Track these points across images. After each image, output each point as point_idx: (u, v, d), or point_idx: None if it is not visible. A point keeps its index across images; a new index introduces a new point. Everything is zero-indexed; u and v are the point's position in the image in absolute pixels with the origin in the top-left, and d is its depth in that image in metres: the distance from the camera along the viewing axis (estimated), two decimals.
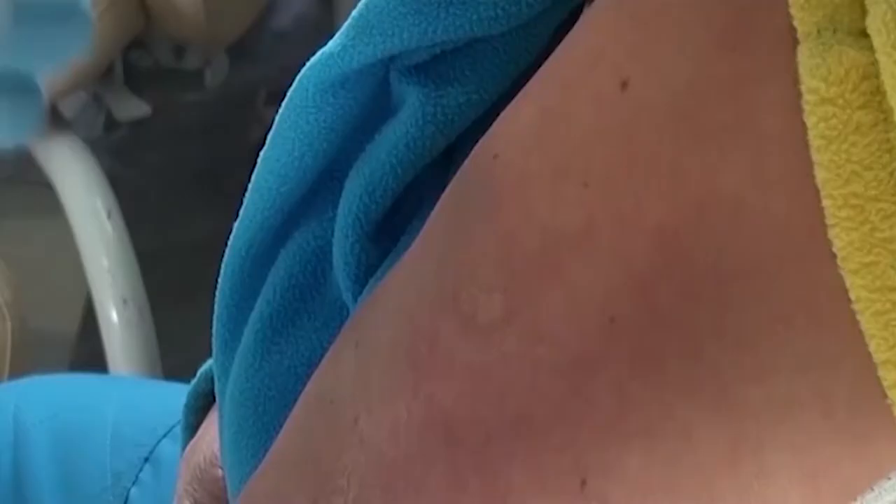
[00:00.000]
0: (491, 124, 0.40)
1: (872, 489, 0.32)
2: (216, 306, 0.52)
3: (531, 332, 0.35)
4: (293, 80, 0.44)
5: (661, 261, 0.33)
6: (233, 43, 1.50)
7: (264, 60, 1.64)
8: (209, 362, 0.65)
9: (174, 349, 1.45)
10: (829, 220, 0.32)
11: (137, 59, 1.49)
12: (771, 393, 0.32)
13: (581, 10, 0.45)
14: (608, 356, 0.34)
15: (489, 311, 0.35)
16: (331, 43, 0.43)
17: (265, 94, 1.68)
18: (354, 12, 0.43)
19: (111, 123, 1.54)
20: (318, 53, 0.43)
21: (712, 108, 0.34)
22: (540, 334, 0.35)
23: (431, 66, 0.44)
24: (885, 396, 0.31)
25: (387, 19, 0.42)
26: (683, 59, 0.35)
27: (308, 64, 0.44)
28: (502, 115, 0.39)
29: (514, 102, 0.39)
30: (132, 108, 1.50)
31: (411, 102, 0.44)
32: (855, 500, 0.33)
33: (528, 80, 0.41)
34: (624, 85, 0.35)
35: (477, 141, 0.41)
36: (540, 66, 0.44)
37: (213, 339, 0.53)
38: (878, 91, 0.31)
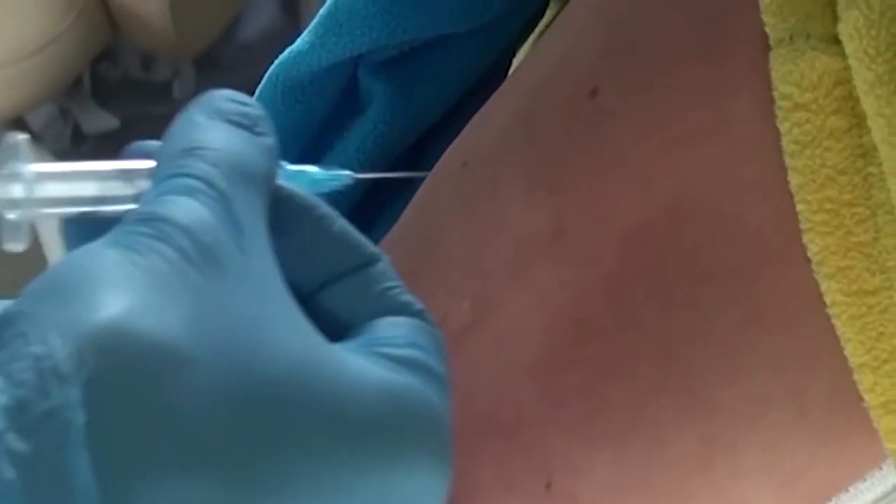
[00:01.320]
0: (459, 120, 0.40)
1: (848, 490, 0.31)
2: None
3: (499, 335, 0.35)
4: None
5: (632, 264, 0.33)
6: (200, 54, 1.50)
7: (232, 72, 1.62)
8: None
9: None
10: (804, 225, 0.32)
11: (105, 72, 1.48)
12: (744, 393, 0.32)
13: (544, 10, 0.44)
14: (577, 358, 0.34)
15: (459, 317, 0.35)
16: (299, 40, 0.43)
17: None
18: (322, 10, 0.42)
19: (79, 136, 1.52)
20: (287, 51, 0.43)
21: (685, 114, 0.33)
22: (508, 337, 0.35)
23: (399, 63, 0.43)
24: (861, 400, 0.31)
25: (356, 17, 0.42)
26: (656, 64, 0.34)
27: (276, 61, 0.43)
28: (472, 121, 0.39)
29: (484, 108, 0.39)
30: (100, 120, 1.48)
31: (379, 99, 0.43)
32: (830, 500, 0.32)
33: (496, 74, 0.41)
34: (594, 92, 0.35)
35: (445, 136, 0.40)
36: (509, 60, 0.44)
37: None
38: (851, 96, 0.31)
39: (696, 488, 0.33)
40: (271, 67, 0.43)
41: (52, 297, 0.22)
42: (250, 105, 0.28)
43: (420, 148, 0.43)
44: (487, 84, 0.41)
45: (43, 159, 0.28)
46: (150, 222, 0.24)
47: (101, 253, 0.23)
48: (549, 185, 0.35)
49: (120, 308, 0.22)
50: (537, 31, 0.43)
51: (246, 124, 0.27)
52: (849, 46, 0.31)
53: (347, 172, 0.32)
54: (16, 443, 0.21)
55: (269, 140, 0.27)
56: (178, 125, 0.27)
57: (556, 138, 0.35)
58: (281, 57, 0.43)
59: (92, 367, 0.21)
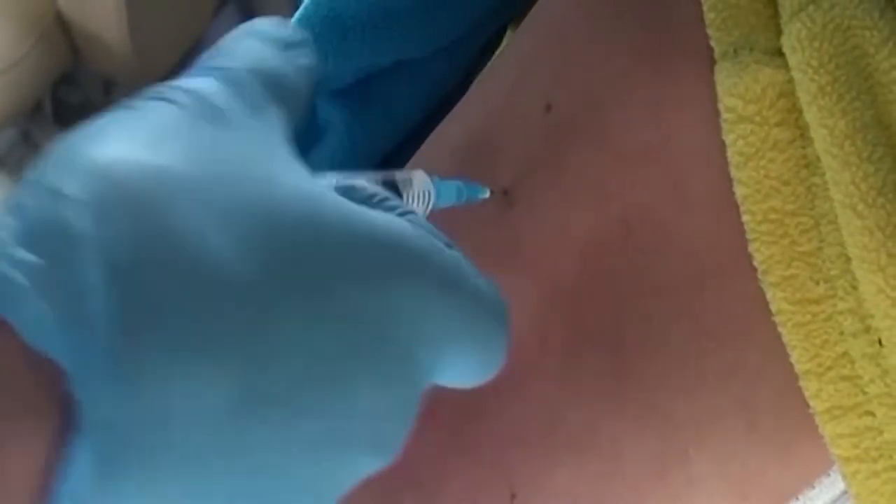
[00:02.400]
0: (418, 146, 0.41)
1: (798, 498, 0.31)
2: None
3: None
4: None
5: (588, 277, 0.34)
6: (163, 77, 1.48)
7: None
8: None
9: None
10: (750, 235, 0.32)
11: (67, 96, 1.47)
12: (697, 405, 0.32)
13: (503, 34, 0.44)
14: (536, 373, 0.34)
15: None
16: None
17: None
18: None
19: None
20: None
21: (636, 127, 0.34)
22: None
23: (357, 90, 0.43)
24: (808, 406, 0.32)
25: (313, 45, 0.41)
26: (607, 80, 0.35)
27: None
28: (430, 138, 0.40)
29: (441, 126, 0.40)
30: None
31: (337, 126, 0.43)
32: None
33: (456, 99, 0.41)
34: (548, 107, 0.36)
35: (404, 163, 0.41)
36: (466, 83, 0.44)
37: None
38: (795, 108, 0.32)
39: (652, 499, 0.33)
40: None
41: (63, 151, 0.23)
42: (290, 29, 0.28)
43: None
44: (447, 109, 0.40)
45: (3, 184, 0.28)
46: (157, 92, 0.25)
47: (105, 115, 0.24)
48: (506, 199, 0.35)
49: (120, 145, 0.22)
50: (497, 53, 0.44)
51: (280, 43, 0.28)
52: (792, 58, 0.32)
53: (486, 189, 0.34)
54: (24, 254, 0.21)
55: (304, 60, 0.28)
56: (218, 42, 0.27)
57: (513, 153, 0.36)
58: None
59: (96, 191, 0.22)
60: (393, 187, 0.33)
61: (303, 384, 0.22)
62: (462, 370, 0.26)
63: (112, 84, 1.52)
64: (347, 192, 0.27)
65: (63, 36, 1.36)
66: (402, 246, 0.24)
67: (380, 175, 0.33)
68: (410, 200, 0.33)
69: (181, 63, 1.52)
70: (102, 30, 1.35)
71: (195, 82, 0.25)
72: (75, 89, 1.49)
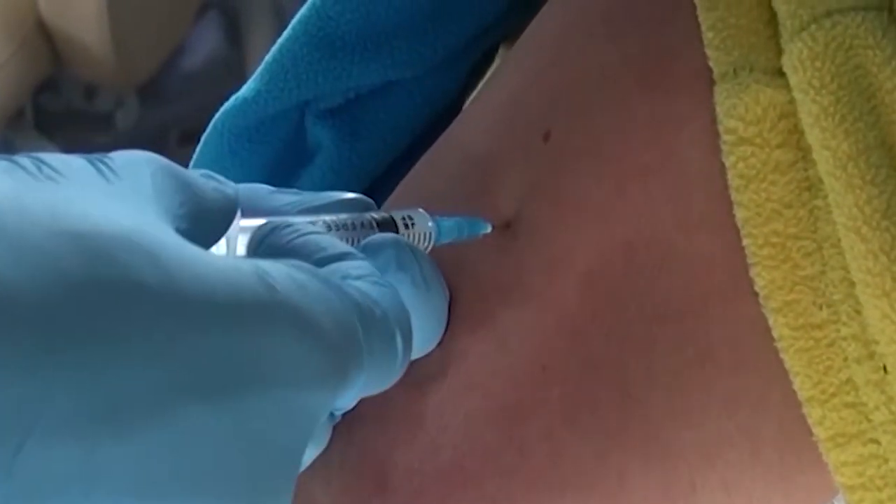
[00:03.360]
0: (409, 167, 0.40)
1: None
2: None
3: (464, 383, 0.35)
4: (205, 119, 0.43)
5: (591, 306, 0.33)
6: (143, 84, 1.47)
7: (175, 101, 1.60)
8: None
9: None
10: (751, 259, 0.32)
11: (48, 102, 1.44)
12: (701, 435, 0.32)
13: (495, 53, 0.43)
14: (540, 404, 0.34)
15: (425, 366, 0.35)
16: (245, 88, 0.42)
17: (177, 134, 1.64)
18: (268, 56, 0.42)
19: None
20: (232, 98, 0.42)
21: (635, 150, 0.34)
22: (473, 385, 0.34)
23: (346, 110, 0.43)
24: (811, 434, 0.31)
25: (301, 64, 0.41)
26: (605, 102, 0.34)
27: (222, 109, 0.43)
28: (422, 162, 0.39)
29: (433, 150, 0.39)
30: (43, 151, 1.45)
31: (327, 147, 0.43)
32: None
33: (448, 119, 0.40)
34: (547, 135, 0.35)
35: (395, 184, 0.40)
36: (458, 104, 0.44)
37: None
38: (797, 129, 0.32)
39: None
40: (216, 116, 0.42)
41: None
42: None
43: (370, 197, 0.42)
44: (438, 129, 0.40)
45: None
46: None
47: None
48: (509, 231, 0.35)
49: None
50: (490, 73, 0.43)
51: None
52: (793, 79, 0.31)
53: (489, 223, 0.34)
54: None
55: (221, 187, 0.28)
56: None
57: (514, 183, 0.35)
58: (226, 105, 0.42)
59: None
60: (392, 226, 0.33)
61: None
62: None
63: (94, 90, 1.51)
64: (272, 231, 0.28)
65: (44, 42, 1.34)
66: (216, 294, 0.23)
67: (376, 215, 0.33)
68: (411, 239, 0.33)
69: (163, 68, 1.50)
70: (84, 35, 1.33)
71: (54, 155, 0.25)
72: (57, 96, 1.47)
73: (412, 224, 0.34)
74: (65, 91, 1.49)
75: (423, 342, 0.33)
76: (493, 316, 0.34)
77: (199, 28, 1.46)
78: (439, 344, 0.35)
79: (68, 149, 1.56)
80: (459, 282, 0.35)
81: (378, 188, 0.43)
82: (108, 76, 1.38)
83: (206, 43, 1.45)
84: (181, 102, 1.47)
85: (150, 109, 1.53)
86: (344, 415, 0.35)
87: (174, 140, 1.54)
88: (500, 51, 0.44)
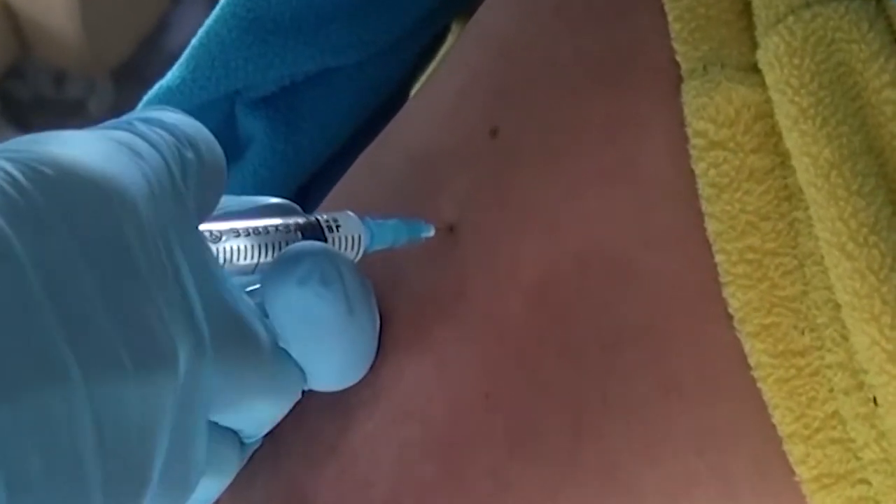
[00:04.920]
0: (349, 163, 0.37)
1: None
2: None
3: (399, 410, 0.32)
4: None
5: (540, 323, 0.31)
6: (119, 67, 1.45)
7: (155, 84, 1.58)
8: None
9: None
10: (724, 278, 0.29)
11: (15, 91, 1.43)
12: (665, 472, 0.30)
13: (446, 34, 0.40)
14: (483, 435, 0.31)
15: (355, 391, 0.32)
16: (168, 76, 0.40)
17: None
18: (194, 41, 0.40)
19: None
20: (155, 87, 0.41)
21: (590, 152, 0.31)
22: (409, 413, 0.32)
23: (281, 99, 0.40)
24: (793, 473, 0.29)
25: (230, 49, 0.39)
26: (558, 100, 0.32)
27: (143, 100, 0.40)
28: (359, 162, 0.37)
29: (372, 148, 0.37)
30: None
31: (259, 140, 0.40)
32: None
33: (391, 110, 0.37)
34: (494, 132, 0.33)
35: (333, 182, 0.38)
36: (404, 93, 0.42)
37: None
38: (774, 132, 0.30)
39: None
40: (139, 106, 0.39)
41: None
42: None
43: (306, 195, 0.39)
44: (383, 121, 0.37)
45: None
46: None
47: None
48: (451, 237, 0.33)
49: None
50: (437, 60, 0.41)
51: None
52: (769, 76, 0.29)
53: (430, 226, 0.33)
54: None
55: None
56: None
57: (456, 184, 0.33)
58: (148, 94, 0.40)
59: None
60: (317, 230, 0.30)
61: None
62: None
63: (64, 77, 1.48)
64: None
65: (10, 27, 1.31)
66: None
67: (299, 219, 0.31)
68: (337, 245, 0.31)
69: (141, 48, 1.47)
70: (52, 19, 1.31)
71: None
72: (24, 84, 1.45)
73: (337, 228, 0.31)
74: (32, 78, 1.47)
75: (346, 372, 0.31)
76: (430, 334, 0.32)
77: (181, 3, 1.43)
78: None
79: None
80: (393, 294, 0.33)
81: (316, 186, 0.40)
82: (79, 60, 1.36)
83: (190, 19, 1.42)
84: None
85: (127, 93, 1.51)
86: (268, 443, 0.32)
87: None
88: (453, 28, 0.42)
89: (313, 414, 0.33)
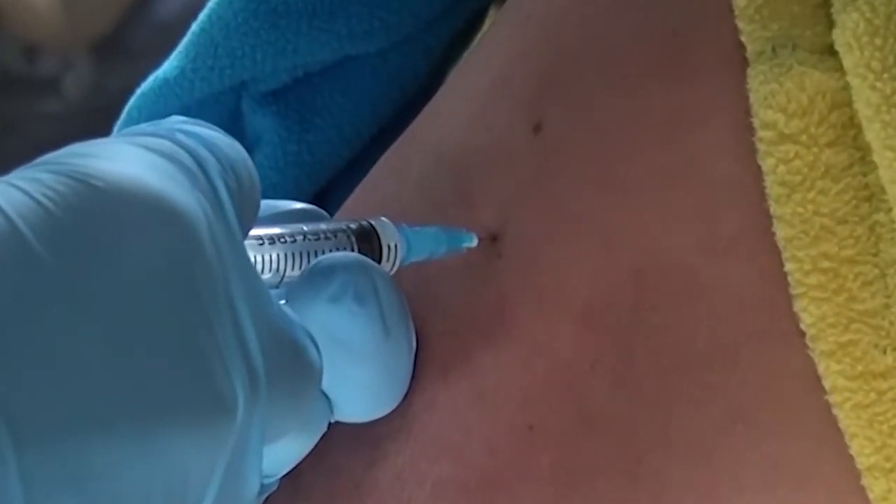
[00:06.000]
0: (373, 163, 0.39)
1: None
2: None
3: (431, 444, 0.34)
4: None
5: (591, 349, 0.32)
6: (99, 40, 1.48)
7: (141, 60, 1.60)
8: None
9: None
10: (795, 290, 0.31)
11: None
12: None
13: (483, 18, 0.43)
14: (527, 473, 0.33)
15: (383, 423, 0.34)
16: (165, 66, 0.42)
17: None
18: (194, 26, 0.42)
19: None
20: (150, 79, 0.42)
21: (647, 151, 0.33)
22: (442, 447, 0.33)
23: (293, 93, 0.42)
24: None
25: (235, 35, 0.40)
26: (609, 90, 0.34)
27: (137, 92, 0.42)
28: (382, 161, 0.38)
29: (397, 148, 0.38)
30: None
31: (269, 139, 0.42)
32: None
33: (419, 105, 0.39)
34: (537, 128, 0.34)
35: (354, 185, 0.39)
36: (433, 86, 0.43)
37: None
38: (853, 123, 0.31)
39: None
40: (131, 100, 0.41)
41: None
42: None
43: (323, 203, 0.41)
44: (407, 118, 0.39)
45: None
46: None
47: None
48: (493, 248, 0.34)
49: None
50: (473, 47, 0.42)
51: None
52: (847, 59, 0.30)
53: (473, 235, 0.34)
54: None
55: None
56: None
57: (494, 188, 0.35)
58: (143, 87, 0.42)
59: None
60: (345, 240, 0.32)
61: None
62: None
63: (35, 51, 1.52)
64: None
65: None
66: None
67: (329, 225, 0.32)
68: (373, 257, 0.32)
69: (125, 20, 1.50)
70: None
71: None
72: None
73: (369, 236, 0.32)
74: (1, 52, 1.50)
75: (378, 402, 0.32)
76: (467, 358, 0.33)
77: None
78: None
79: (6, 120, 1.57)
80: (424, 312, 0.34)
81: (333, 192, 0.42)
82: (53, 33, 1.39)
83: None
84: (150, 61, 1.47)
85: (108, 70, 1.54)
86: (286, 479, 0.33)
87: None
88: (490, 11, 0.43)
89: (336, 446, 0.34)
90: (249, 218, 0.29)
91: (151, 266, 0.24)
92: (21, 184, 0.24)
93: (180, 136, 0.28)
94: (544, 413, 0.33)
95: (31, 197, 0.24)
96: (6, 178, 0.25)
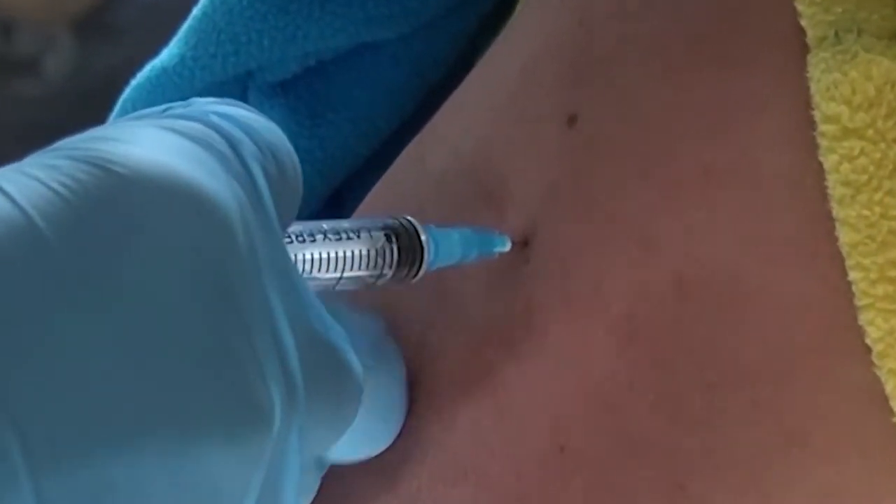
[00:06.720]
0: (393, 161, 0.40)
1: None
2: None
3: (449, 467, 0.34)
4: None
5: (630, 365, 0.33)
6: (81, 16, 1.49)
7: (129, 38, 1.61)
8: None
9: None
10: (860, 301, 0.31)
11: None
12: None
13: (514, 0, 0.43)
14: (557, 499, 0.33)
15: (398, 443, 0.35)
16: (163, 54, 0.42)
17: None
18: (195, 10, 0.41)
19: None
20: (147, 68, 0.42)
21: (690, 147, 0.33)
22: (462, 469, 0.34)
23: (304, 83, 0.42)
24: None
25: (240, 20, 0.41)
26: (649, 80, 0.34)
27: (134, 83, 0.42)
28: (402, 157, 0.39)
29: (418, 143, 0.39)
30: None
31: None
32: None
33: (441, 98, 0.40)
34: (571, 120, 0.35)
35: (371, 181, 0.40)
36: (457, 76, 0.43)
37: None
38: None
39: None
40: (125, 91, 0.42)
41: None
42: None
43: (338, 204, 0.42)
44: (430, 112, 0.40)
45: None
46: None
47: None
48: (518, 253, 0.35)
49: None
50: (503, 34, 0.42)
51: None
52: None
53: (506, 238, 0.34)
54: None
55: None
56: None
57: (523, 186, 0.35)
58: (138, 77, 0.42)
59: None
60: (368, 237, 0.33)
61: None
62: None
63: (13, 27, 1.53)
64: None
65: None
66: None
67: (345, 224, 0.33)
68: (390, 263, 0.33)
69: (102, 2, 1.52)
70: None
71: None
72: None
73: (392, 238, 0.33)
74: None
75: (366, 441, 0.33)
76: (491, 372, 0.34)
77: None
78: (413, 411, 0.34)
79: None
80: (444, 321, 0.35)
81: (349, 193, 0.43)
82: (32, 8, 1.41)
83: None
84: (137, 39, 1.48)
85: (92, 49, 1.55)
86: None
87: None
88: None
89: (349, 470, 0.34)
90: (290, 209, 0.30)
91: (178, 261, 0.25)
92: (35, 171, 0.25)
93: (213, 118, 0.28)
94: (577, 434, 0.33)
95: (47, 186, 0.24)
96: (19, 165, 0.25)
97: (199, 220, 0.25)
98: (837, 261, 0.31)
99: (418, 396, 0.35)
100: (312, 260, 0.31)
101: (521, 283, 0.35)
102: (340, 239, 0.32)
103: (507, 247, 0.34)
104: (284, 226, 0.29)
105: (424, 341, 0.35)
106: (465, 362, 0.35)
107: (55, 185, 0.24)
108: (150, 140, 0.26)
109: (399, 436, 0.34)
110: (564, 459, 0.33)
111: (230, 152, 0.27)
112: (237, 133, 0.28)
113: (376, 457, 0.33)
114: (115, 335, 0.24)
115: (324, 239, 0.32)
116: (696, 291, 0.33)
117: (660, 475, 0.32)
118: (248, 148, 0.28)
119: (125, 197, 0.24)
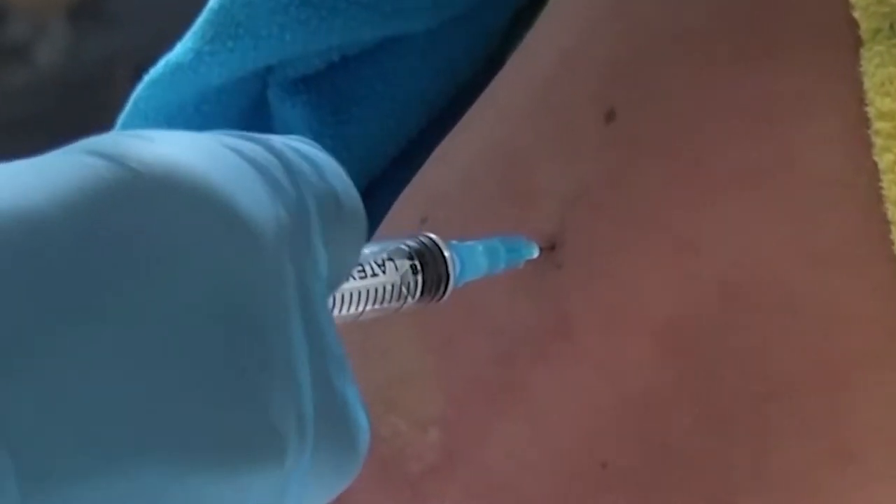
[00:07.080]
0: (422, 161, 0.40)
1: None
2: None
3: (479, 481, 0.35)
4: (168, 51, 0.42)
5: (672, 375, 0.33)
6: (76, 3, 1.49)
7: (125, 26, 1.61)
8: None
9: None
10: None
11: None
12: None
13: None
14: None
15: (422, 454, 0.35)
16: (177, 49, 0.42)
17: (129, 71, 1.65)
18: (212, 2, 0.41)
19: None
20: (161, 63, 0.42)
21: (736, 145, 0.33)
22: (495, 487, 0.35)
23: (327, 80, 0.43)
24: None
25: (260, 13, 0.41)
26: (692, 73, 0.34)
27: (146, 80, 0.42)
28: (435, 159, 0.39)
29: (448, 141, 0.39)
30: None
31: (300, 132, 0.42)
32: None
33: (474, 95, 0.40)
34: (609, 116, 0.35)
35: (400, 190, 0.40)
36: (490, 72, 0.43)
37: None
38: None
39: None
40: (137, 88, 0.42)
41: None
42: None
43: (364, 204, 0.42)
44: (461, 109, 0.40)
45: None
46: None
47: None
48: (548, 257, 0.35)
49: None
50: (536, 27, 0.42)
51: None
52: None
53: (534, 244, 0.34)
54: None
55: None
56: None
57: (555, 184, 0.35)
58: (151, 73, 0.42)
59: None
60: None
61: None
62: None
63: (3, 13, 1.54)
64: None
65: None
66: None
67: (367, 252, 0.33)
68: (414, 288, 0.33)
69: None
70: None
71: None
72: None
73: (414, 255, 0.33)
74: None
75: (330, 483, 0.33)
76: (523, 385, 0.34)
77: None
78: (443, 420, 0.35)
79: None
80: (472, 329, 0.35)
81: (374, 195, 0.43)
82: None
83: None
84: (136, 25, 1.48)
85: (86, 37, 1.56)
86: None
87: (123, 79, 1.55)
88: None
89: (367, 488, 0.35)
90: (345, 256, 0.29)
91: (194, 272, 0.24)
92: (58, 163, 0.24)
93: (278, 145, 0.28)
94: (619, 449, 0.33)
95: (63, 179, 0.24)
96: (39, 159, 0.25)
97: (228, 237, 0.25)
98: (892, 266, 0.31)
99: (447, 409, 0.35)
100: (333, 299, 0.31)
101: (552, 291, 0.35)
102: (365, 276, 0.32)
103: (536, 254, 0.34)
104: (336, 273, 0.29)
105: (452, 351, 0.35)
106: (495, 375, 0.35)
107: (70, 180, 0.24)
108: (186, 145, 0.26)
109: (427, 449, 0.34)
110: (606, 476, 0.33)
111: (286, 181, 0.27)
112: (300, 165, 0.28)
113: (400, 471, 0.33)
114: (117, 349, 0.24)
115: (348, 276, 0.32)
116: (742, 298, 0.33)
117: (707, 492, 0.33)
118: (307, 182, 0.28)
119: (140, 196, 0.24)
